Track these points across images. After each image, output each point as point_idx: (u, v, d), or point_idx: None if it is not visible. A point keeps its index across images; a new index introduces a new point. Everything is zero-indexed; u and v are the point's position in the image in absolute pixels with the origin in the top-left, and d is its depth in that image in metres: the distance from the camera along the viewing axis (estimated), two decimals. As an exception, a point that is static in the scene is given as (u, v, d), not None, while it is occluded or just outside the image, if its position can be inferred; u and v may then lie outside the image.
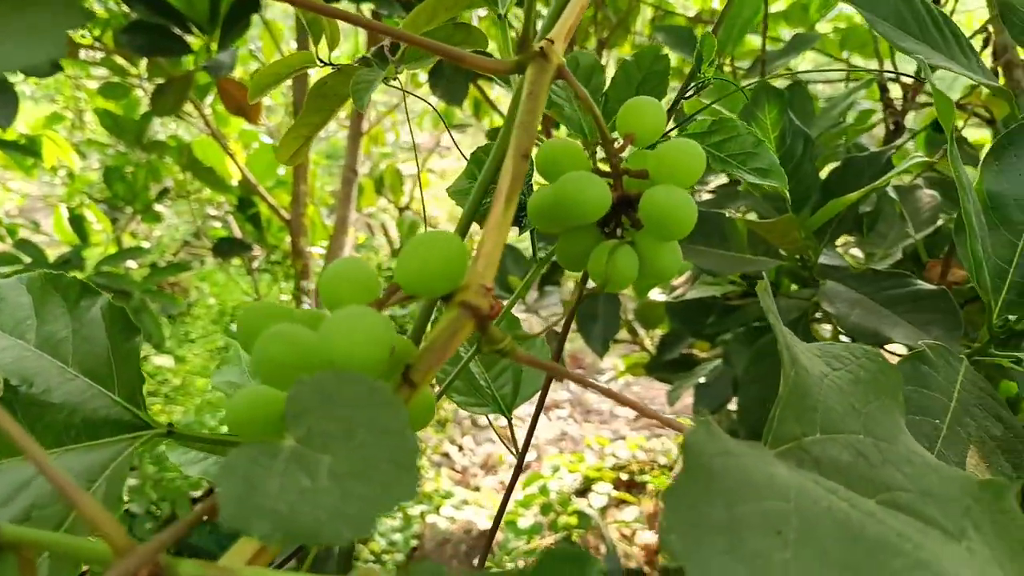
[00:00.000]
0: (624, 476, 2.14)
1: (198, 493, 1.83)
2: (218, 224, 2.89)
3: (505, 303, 0.39)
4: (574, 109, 0.43)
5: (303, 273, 1.99)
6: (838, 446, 0.29)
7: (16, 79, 1.64)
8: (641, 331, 1.54)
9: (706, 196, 0.86)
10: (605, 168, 0.32)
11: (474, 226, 0.39)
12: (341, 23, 0.56)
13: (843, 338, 0.82)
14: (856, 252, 0.94)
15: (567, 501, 1.97)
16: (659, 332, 1.45)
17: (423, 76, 1.70)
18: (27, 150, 1.89)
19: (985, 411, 0.39)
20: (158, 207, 2.20)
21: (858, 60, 1.39)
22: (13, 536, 0.20)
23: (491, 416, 0.53)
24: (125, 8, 1.59)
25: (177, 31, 1.31)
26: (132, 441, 0.31)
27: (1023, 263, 0.46)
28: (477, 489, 2.16)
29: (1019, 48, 0.82)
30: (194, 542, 1.42)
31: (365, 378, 0.19)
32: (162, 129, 2.96)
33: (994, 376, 0.56)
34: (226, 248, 2.05)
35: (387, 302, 0.24)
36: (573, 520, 1.87)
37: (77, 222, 1.93)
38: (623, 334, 1.49)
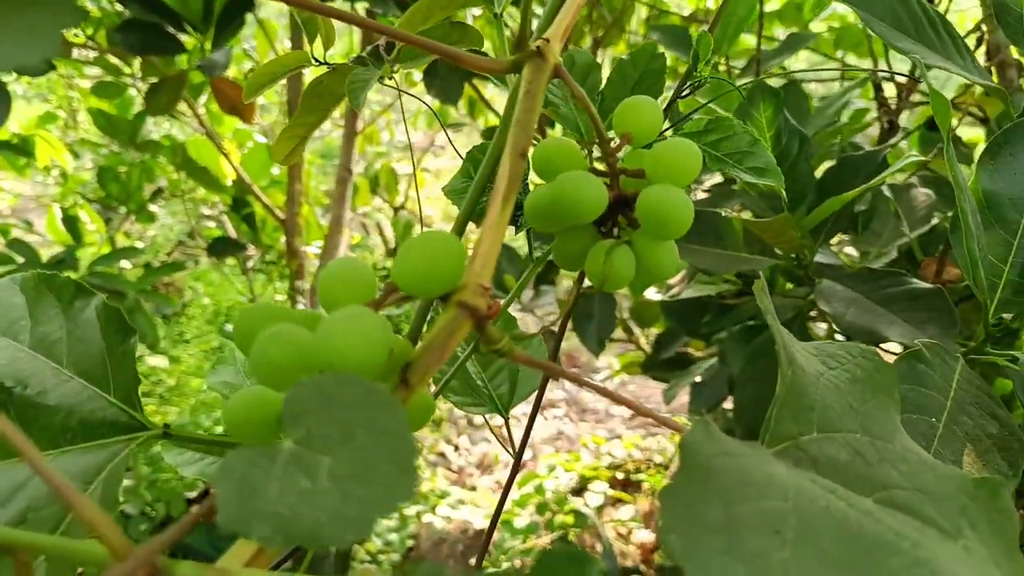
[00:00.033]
0: (620, 475, 2.15)
1: (193, 494, 1.83)
2: (212, 224, 2.88)
3: (501, 302, 0.39)
4: (570, 108, 0.43)
5: (298, 273, 1.98)
6: (835, 445, 0.29)
7: (8, 78, 1.63)
8: (637, 330, 1.55)
9: (701, 195, 0.87)
10: (601, 167, 0.32)
11: (470, 225, 0.39)
12: (336, 22, 0.56)
13: (839, 337, 0.82)
14: (851, 251, 0.95)
15: (563, 500, 1.97)
16: (655, 331, 1.45)
17: (418, 75, 1.69)
18: (20, 150, 1.88)
19: (981, 409, 0.40)
20: (152, 207, 2.19)
21: (852, 59, 1.39)
22: (9, 539, 0.19)
23: (487, 415, 0.53)
24: (118, 7, 1.58)
25: (171, 30, 1.31)
26: (128, 442, 0.31)
27: (1018, 262, 0.46)
28: (473, 489, 2.16)
29: (1013, 47, 0.83)
30: (189, 543, 1.41)
31: (363, 379, 0.19)
32: (156, 128, 2.95)
33: (989, 374, 0.57)
34: (221, 248, 2.04)
35: (384, 302, 0.24)
36: (569, 519, 1.87)
37: (70, 222, 1.93)
38: (618, 333, 1.49)
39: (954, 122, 0.99)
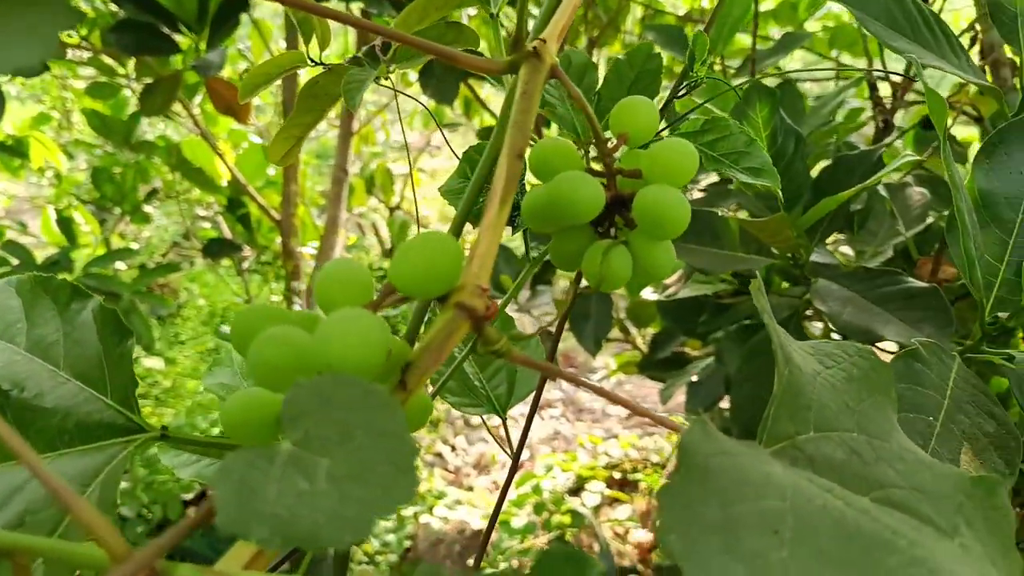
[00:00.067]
0: (617, 475, 2.15)
1: (190, 496, 1.83)
2: (207, 225, 2.88)
3: (498, 303, 0.39)
4: (567, 108, 0.43)
5: (294, 274, 1.98)
6: (832, 444, 0.29)
7: (2, 79, 1.62)
8: (633, 330, 1.55)
9: (697, 194, 0.87)
10: (598, 168, 0.32)
11: (467, 226, 0.39)
12: (332, 22, 0.56)
13: (835, 336, 0.82)
14: (846, 250, 0.95)
15: (560, 500, 1.97)
16: (651, 330, 1.45)
17: (413, 75, 1.69)
18: (14, 151, 1.87)
19: (978, 408, 0.40)
20: (147, 208, 2.19)
21: (847, 59, 1.40)
22: (6, 542, 0.19)
23: (484, 416, 0.53)
24: (113, 7, 1.58)
25: (166, 30, 1.30)
26: (126, 445, 0.30)
27: (1014, 260, 0.47)
28: (470, 489, 2.16)
29: (1006, 46, 0.83)
30: (187, 545, 1.41)
31: (362, 381, 0.19)
32: (150, 129, 2.94)
33: (985, 373, 0.57)
34: (216, 249, 2.04)
35: (382, 304, 0.24)
36: (566, 519, 1.88)
37: (65, 223, 1.92)
38: (615, 333, 1.50)
39: (948, 121, 0.99)
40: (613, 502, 2.02)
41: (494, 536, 1.86)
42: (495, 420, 0.52)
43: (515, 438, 0.52)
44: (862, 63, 1.29)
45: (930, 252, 0.81)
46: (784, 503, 0.22)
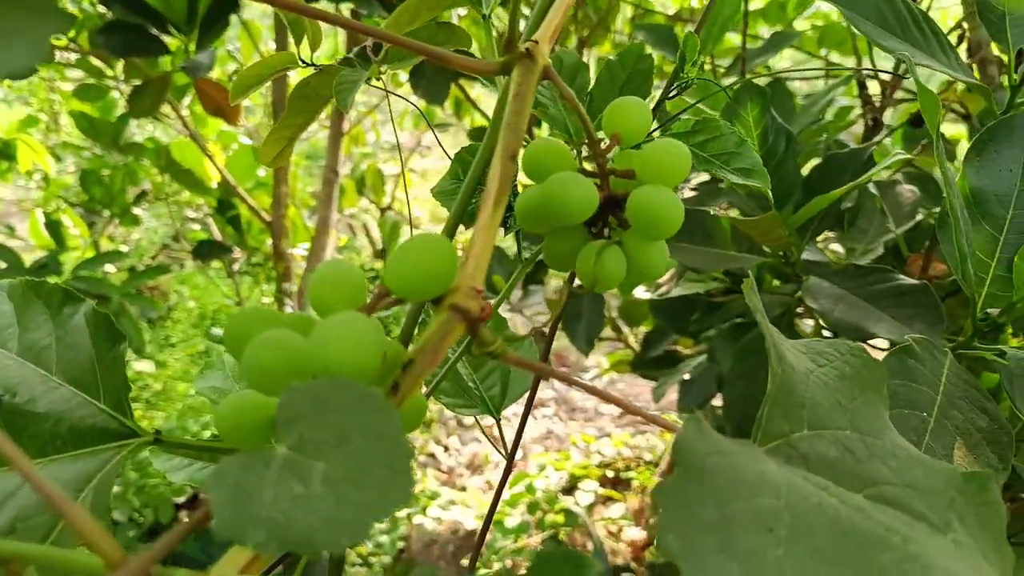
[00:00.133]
0: (610, 473, 2.15)
1: (182, 499, 1.82)
2: (197, 227, 2.86)
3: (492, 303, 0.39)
4: (559, 109, 0.43)
5: (285, 275, 1.97)
6: (825, 442, 0.29)
7: (-11, 82, 1.61)
8: (625, 328, 1.55)
9: (689, 193, 0.87)
10: (591, 168, 0.32)
11: (460, 227, 0.39)
12: (322, 23, 0.56)
13: (826, 333, 0.83)
14: (837, 248, 0.95)
15: (554, 499, 1.97)
16: (643, 329, 1.46)
17: (403, 76, 1.69)
18: (1, 154, 1.86)
19: (970, 403, 0.40)
20: (136, 210, 2.18)
21: (835, 57, 1.40)
22: None
23: (477, 416, 0.53)
24: (101, 8, 1.57)
25: (154, 31, 1.30)
26: (119, 449, 0.30)
27: (1004, 257, 0.47)
28: (463, 489, 2.16)
29: (994, 45, 0.84)
30: (179, 549, 1.40)
31: (357, 383, 0.19)
32: (139, 131, 2.92)
33: (975, 369, 0.57)
34: (206, 251, 2.03)
35: (377, 306, 0.24)
36: (560, 518, 1.88)
37: (53, 226, 1.91)
38: (607, 332, 1.50)
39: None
40: (606, 500, 2.03)
41: (488, 536, 1.86)
42: (488, 420, 0.52)
43: (508, 438, 0.52)
44: (851, 62, 1.29)
45: (920, 249, 0.82)
46: (779, 501, 0.22)
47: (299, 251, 2.33)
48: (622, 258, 0.30)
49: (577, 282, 0.55)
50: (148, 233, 3.41)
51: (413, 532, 1.92)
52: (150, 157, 2.00)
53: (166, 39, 1.31)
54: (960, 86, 1.00)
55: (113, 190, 2.06)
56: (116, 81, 1.71)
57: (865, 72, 1.06)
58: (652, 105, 0.50)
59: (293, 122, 0.51)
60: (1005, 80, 0.58)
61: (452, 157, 0.46)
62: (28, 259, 1.67)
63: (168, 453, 0.49)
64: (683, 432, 0.22)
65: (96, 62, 1.67)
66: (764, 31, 1.41)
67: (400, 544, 1.88)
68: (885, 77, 1.03)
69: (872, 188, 0.82)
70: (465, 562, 1.79)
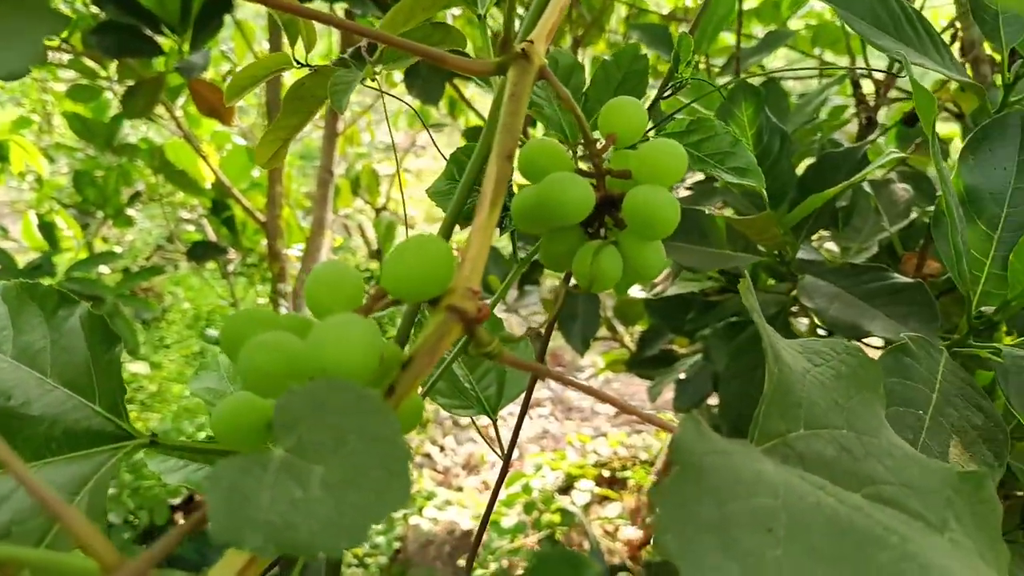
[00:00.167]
0: (606, 473, 2.15)
1: (177, 501, 1.81)
2: (192, 227, 2.86)
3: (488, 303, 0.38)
4: (554, 109, 0.43)
5: (280, 276, 1.97)
6: (822, 441, 0.29)
7: (-19, 83, 1.60)
8: (621, 328, 1.55)
9: (684, 192, 0.87)
10: (587, 168, 0.32)
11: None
12: (317, 23, 0.56)
13: (821, 332, 0.83)
14: (831, 246, 0.95)
15: (550, 499, 1.97)
16: (639, 328, 1.46)
17: (398, 76, 1.69)
18: (-6, 155, 1.85)
19: (966, 401, 0.40)
20: (130, 211, 2.17)
21: (829, 56, 1.41)
22: (-5, 554, 0.19)
23: (473, 416, 0.53)
24: (94, 9, 1.56)
25: (148, 32, 1.29)
26: (115, 452, 0.30)
27: (999, 255, 0.47)
28: (459, 489, 2.16)
29: (986, 44, 0.84)
30: (175, 551, 1.40)
31: (354, 385, 0.19)
32: (133, 132, 2.91)
33: (970, 367, 0.57)
34: (200, 252, 2.02)
35: (373, 307, 0.24)
36: (556, 518, 1.88)
37: (47, 228, 1.90)
38: (603, 331, 1.50)
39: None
40: (603, 500, 2.03)
41: (484, 536, 1.86)
42: (484, 420, 0.52)
43: (504, 437, 0.52)
44: (845, 61, 1.30)
45: (914, 248, 0.82)
46: (777, 501, 0.22)
47: (294, 252, 2.32)
48: (618, 258, 0.30)
49: (573, 282, 0.55)
50: (142, 234, 3.41)
51: (409, 533, 1.92)
52: (144, 158, 1.99)
53: (160, 40, 1.31)
54: (953, 85, 1.00)
55: (107, 191, 2.06)
56: (109, 82, 1.70)
57: (859, 71, 1.06)
58: (647, 105, 0.50)
59: (288, 123, 0.51)
60: (998, 79, 0.58)
61: (447, 157, 0.46)
62: (21, 260, 1.66)
63: (164, 455, 0.49)
64: (680, 432, 0.22)
65: (89, 63, 1.67)
66: (758, 30, 1.42)
67: (396, 545, 1.88)
68: (879, 76, 1.03)
69: (866, 187, 0.83)
70: (462, 562, 1.79)
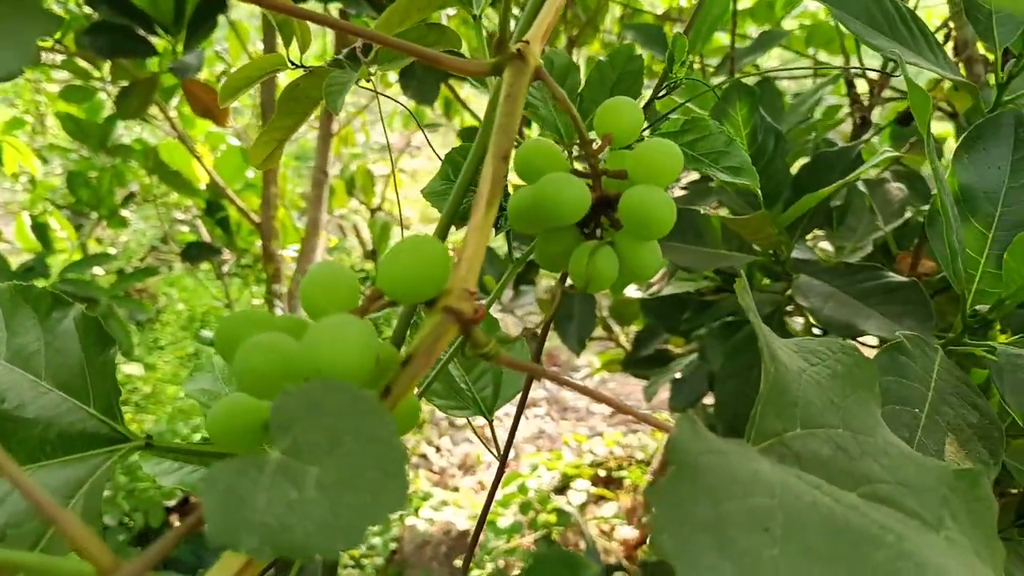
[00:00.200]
0: (602, 472, 2.15)
1: (172, 503, 1.81)
2: (186, 228, 2.85)
3: (483, 303, 0.38)
4: (549, 110, 0.43)
5: (275, 277, 1.97)
6: (818, 440, 0.29)
7: (-26, 83, 1.59)
8: (616, 328, 1.55)
9: (679, 192, 0.87)
10: (582, 168, 0.32)
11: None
12: (311, 24, 0.56)
13: (816, 331, 0.83)
14: (826, 246, 0.96)
15: (546, 499, 1.97)
16: (634, 328, 1.46)
17: (393, 76, 1.69)
18: (-13, 156, 1.84)
19: (961, 399, 0.40)
20: (124, 212, 2.16)
21: (823, 56, 1.41)
22: (-11, 557, 0.19)
23: (469, 416, 0.52)
24: (87, 9, 1.56)
25: (141, 32, 1.29)
26: (110, 454, 0.30)
27: (994, 253, 0.47)
28: (456, 490, 2.16)
29: (979, 43, 0.84)
30: (171, 553, 1.39)
31: (351, 386, 0.19)
32: (127, 132, 2.90)
33: (965, 365, 0.58)
34: (195, 253, 2.02)
35: (369, 308, 0.24)
36: (552, 518, 1.88)
37: (40, 229, 1.89)
38: (598, 331, 1.50)
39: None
40: (599, 500, 2.03)
41: (480, 536, 1.85)
42: (480, 420, 0.52)
43: (500, 438, 0.52)
44: (839, 60, 1.30)
45: (909, 247, 0.82)
46: (773, 500, 0.22)
47: (289, 252, 2.32)
48: (615, 259, 0.30)
49: (569, 282, 0.55)
50: (136, 235, 3.40)
51: (405, 533, 1.92)
52: (138, 159, 1.98)
53: (153, 40, 1.31)
54: (947, 85, 1.00)
55: (100, 192, 2.05)
56: (103, 82, 1.70)
57: (853, 71, 1.06)
58: (642, 105, 0.50)
59: (283, 124, 0.51)
60: (991, 78, 0.58)
61: (442, 158, 0.46)
62: (14, 262, 1.66)
63: (159, 457, 0.49)
64: (677, 431, 0.22)
65: (83, 63, 1.66)
66: (752, 30, 1.42)
67: (392, 545, 1.87)
68: (873, 76, 1.03)
69: (861, 186, 0.83)
70: (458, 563, 1.79)
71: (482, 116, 0.35)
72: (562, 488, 2.07)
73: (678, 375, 1.14)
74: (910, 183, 0.85)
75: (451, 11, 1.49)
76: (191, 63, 1.31)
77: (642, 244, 0.30)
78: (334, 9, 1.26)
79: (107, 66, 1.63)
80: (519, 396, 0.53)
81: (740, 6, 1.25)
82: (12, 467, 0.19)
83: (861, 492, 0.27)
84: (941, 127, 1.59)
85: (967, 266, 0.48)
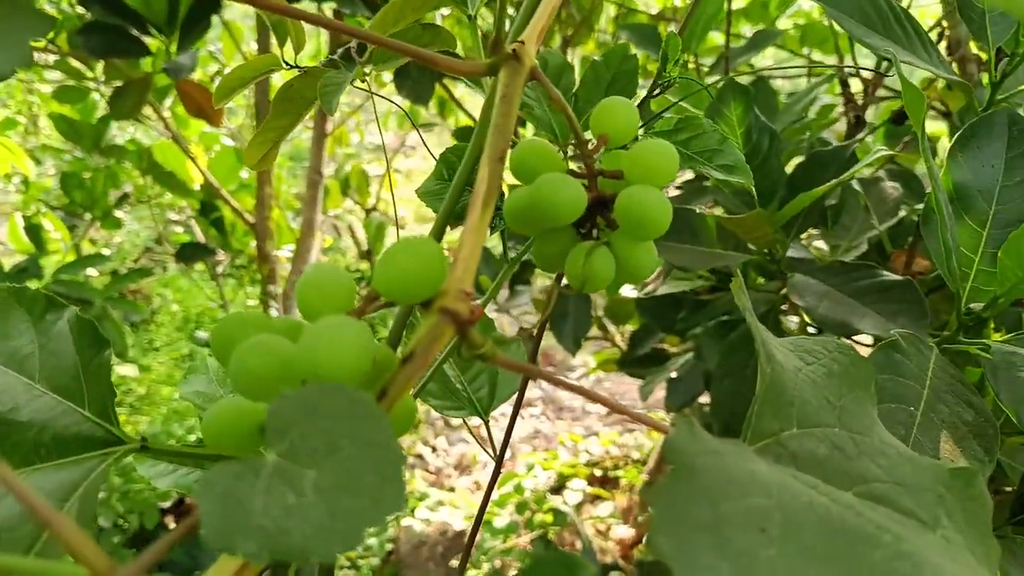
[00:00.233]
0: (598, 472, 2.16)
1: (167, 504, 1.80)
2: (180, 229, 2.84)
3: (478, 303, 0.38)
4: (544, 110, 0.43)
5: (270, 277, 1.96)
6: (814, 440, 0.29)
7: (-34, 84, 1.59)
8: (612, 327, 1.55)
9: (674, 192, 0.87)
10: (577, 168, 0.32)
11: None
12: (305, 24, 0.55)
13: (811, 330, 0.83)
14: (821, 244, 0.96)
15: (542, 499, 1.97)
16: (630, 328, 1.46)
17: (387, 76, 1.68)
18: (-21, 157, 1.83)
19: (956, 397, 0.40)
20: (118, 213, 2.15)
21: (817, 56, 1.41)
22: (-17, 562, 0.19)
23: (465, 417, 0.52)
24: (80, 9, 1.55)
25: (135, 32, 1.28)
26: (105, 457, 0.30)
27: (988, 251, 0.48)
28: (452, 490, 2.16)
29: (972, 42, 0.84)
30: (166, 555, 1.39)
31: (347, 389, 0.19)
32: (120, 133, 2.89)
33: (959, 363, 0.58)
34: (189, 253, 2.01)
35: (366, 310, 0.24)
36: (548, 518, 1.88)
37: (33, 230, 1.89)
38: (594, 331, 1.50)
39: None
40: (595, 499, 2.03)
41: (477, 536, 1.85)
42: (475, 420, 0.52)
43: (496, 438, 0.52)
44: (833, 60, 1.30)
45: (903, 245, 0.82)
46: (770, 501, 0.22)
47: (284, 253, 2.31)
48: (611, 259, 0.30)
49: (565, 282, 0.55)
50: (130, 236, 3.38)
51: (401, 534, 1.91)
52: (132, 159, 1.98)
53: (147, 40, 1.30)
54: (940, 84, 1.01)
55: (94, 193, 2.04)
56: (96, 83, 1.69)
57: (847, 70, 1.06)
58: (636, 104, 0.50)
59: (278, 124, 0.51)
60: (985, 77, 0.58)
61: (437, 157, 0.46)
62: (7, 263, 1.65)
63: (153, 459, 0.49)
64: (674, 433, 0.22)
65: (76, 63, 1.65)
66: (747, 30, 1.42)
67: (389, 546, 1.87)
68: (867, 75, 1.04)
69: (856, 185, 0.83)
70: (455, 563, 1.79)
71: (477, 116, 0.35)
72: (558, 488, 2.07)
73: (674, 374, 1.14)
74: (904, 182, 0.85)
75: (446, 11, 1.49)
76: (185, 63, 1.30)
77: (638, 244, 0.30)
78: (328, 9, 1.26)
79: (100, 66, 1.63)
80: (515, 396, 0.53)
81: (734, 6, 1.25)
82: (6, 470, 0.19)
83: (857, 491, 0.27)
84: (935, 126, 1.60)
85: (962, 264, 0.48)
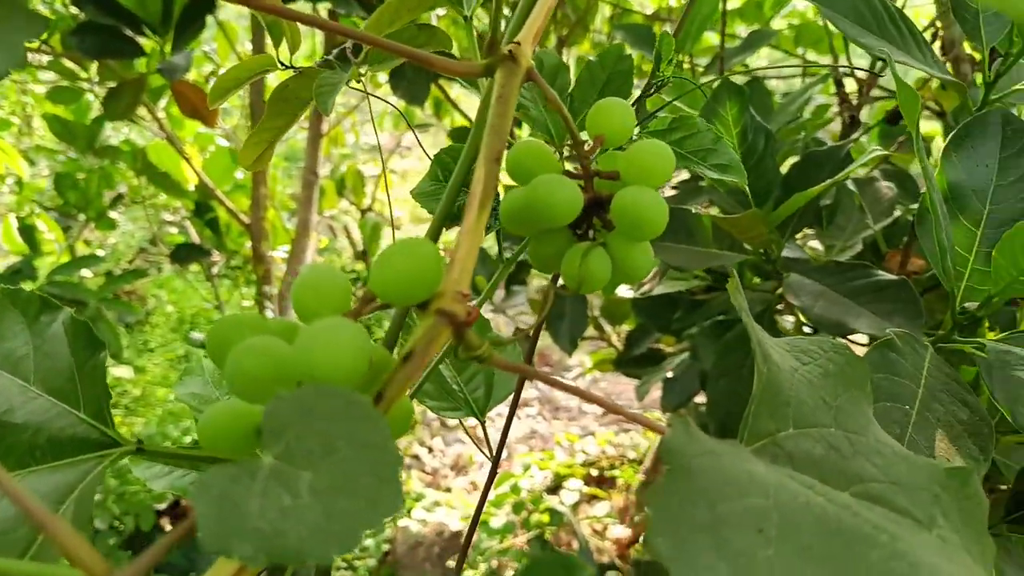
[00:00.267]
0: (594, 472, 2.16)
1: (162, 506, 1.80)
2: (175, 230, 2.83)
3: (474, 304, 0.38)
4: (540, 110, 0.43)
5: (265, 278, 1.96)
6: (811, 440, 0.29)
7: (-41, 85, 1.58)
8: (608, 327, 1.55)
9: (669, 192, 0.87)
10: (574, 169, 0.32)
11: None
12: (300, 24, 0.55)
13: (806, 330, 0.84)
14: (816, 244, 0.96)
15: (539, 499, 1.98)
16: (626, 328, 1.46)
17: (383, 76, 1.68)
18: (-27, 158, 1.83)
19: (951, 396, 0.40)
20: (112, 214, 2.15)
21: (812, 56, 1.42)
22: (-21, 566, 0.19)
23: (462, 417, 0.52)
24: (74, 9, 1.55)
25: (129, 33, 1.28)
26: (100, 459, 0.30)
27: (982, 251, 0.48)
28: (448, 490, 2.16)
29: (966, 43, 0.85)
30: (163, 558, 1.39)
31: (344, 391, 0.19)
32: (115, 133, 2.88)
33: (954, 362, 0.58)
34: (184, 254, 2.01)
35: (362, 311, 0.24)
36: (545, 518, 1.88)
37: (27, 231, 1.88)
38: (590, 331, 1.50)
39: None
40: (591, 499, 2.03)
41: (473, 537, 1.85)
42: (472, 420, 0.52)
43: (492, 438, 0.52)
44: (827, 60, 1.30)
45: (898, 245, 0.82)
46: (768, 501, 0.22)
47: (279, 254, 2.31)
48: (607, 260, 0.30)
49: (561, 283, 0.55)
50: (125, 237, 3.37)
51: (398, 534, 1.91)
52: (126, 160, 1.97)
53: (141, 40, 1.30)
54: (934, 84, 1.01)
55: (88, 194, 2.04)
56: (90, 83, 1.69)
57: (842, 70, 1.07)
58: (631, 103, 0.50)
59: (273, 125, 0.51)
60: (979, 77, 0.59)
61: (432, 158, 0.46)
62: (1, 265, 1.64)
63: (149, 461, 0.49)
64: (670, 433, 0.22)
65: (69, 64, 1.65)
66: (741, 30, 1.42)
67: (385, 547, 1.87)
68: (861, 75, 1.04)
69: (850, 185, 0.83)
70: (451, 563, 1.79)
71: (472, 116, 0.35)
72: (555, 488, 2.07)
73: (670, 374, 1.14)
74: (899, 182, 0.85)
75: (441, 11, 1.49)
76: (179, 64, 1.30)
77: (634, 245, 0.30)
78: (323, 9, 1.26)
79: (94, 67, 1.62)
80: (511, 396, 0.53)
81: (729, 6, 1.25)
82: (2, 473, 0.19)
83: (854, 491, 0.27)
84: (929, 126, 1.60)
85: (956, 263, 0.49)
